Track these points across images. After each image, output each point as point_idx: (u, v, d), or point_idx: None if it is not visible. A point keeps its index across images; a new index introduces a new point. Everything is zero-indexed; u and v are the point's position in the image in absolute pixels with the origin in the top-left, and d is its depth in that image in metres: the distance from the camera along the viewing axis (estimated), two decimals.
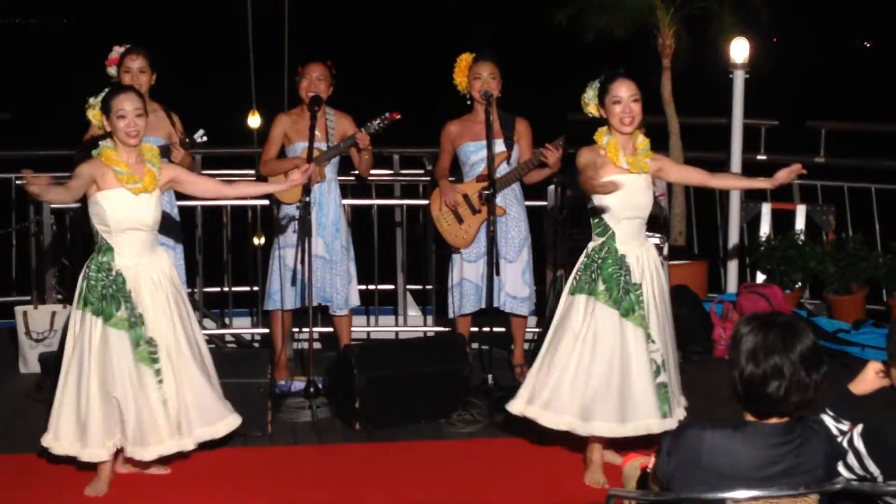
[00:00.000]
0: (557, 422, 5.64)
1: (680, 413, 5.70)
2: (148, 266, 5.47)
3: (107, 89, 5.68)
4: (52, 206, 7.42)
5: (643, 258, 5.62)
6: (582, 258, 5.69)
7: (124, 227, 5.38)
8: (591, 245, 5.67)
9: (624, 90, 5.53)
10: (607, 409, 5.52)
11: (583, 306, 5.61)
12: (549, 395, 5.63)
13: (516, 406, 5.77)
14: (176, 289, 5.60)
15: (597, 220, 5.64)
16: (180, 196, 6.43)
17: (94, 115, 5.70)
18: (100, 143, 5.45)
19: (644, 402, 5.52)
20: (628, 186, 5.50)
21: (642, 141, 5.64)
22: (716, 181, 6.06)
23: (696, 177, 5.92)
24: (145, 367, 5.40)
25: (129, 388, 5.38)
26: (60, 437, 5.45)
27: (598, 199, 5.58)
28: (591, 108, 5.74)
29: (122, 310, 5.38)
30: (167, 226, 6.80)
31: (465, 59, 6.91)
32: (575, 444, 5.79)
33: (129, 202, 5.36)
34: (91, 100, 5.80)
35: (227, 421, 5.71)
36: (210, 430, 5.63)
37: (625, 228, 5.60)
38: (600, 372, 5.53)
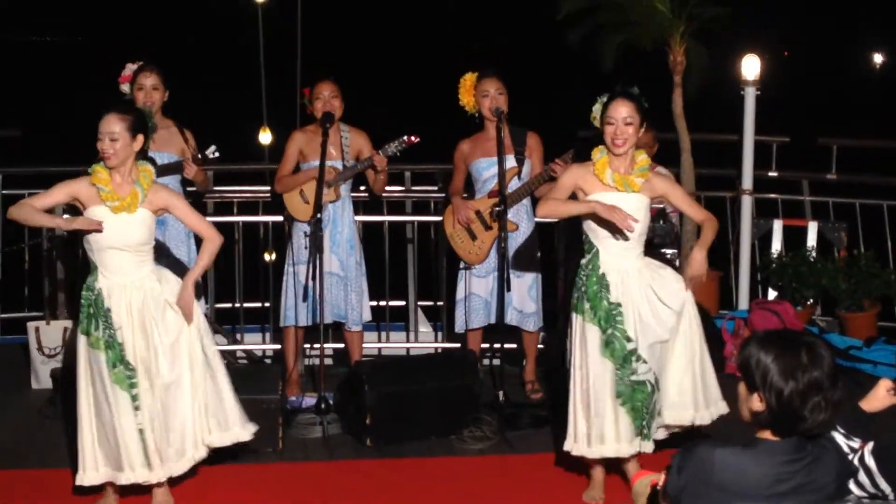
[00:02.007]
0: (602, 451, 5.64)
1: (706, 416, 5.69)
2: (131, 287, 5.37)
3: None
4: None
5: (630, 277, 5.55)
6: (575, 276, 5.69)
7: (104, 246, 5.33)
8: (581, 262, 5.67)
9: (618, 112, 5.49)
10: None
11: (575, 326, 5.63)
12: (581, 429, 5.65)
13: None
14: (166, 307, 5.44)
15: (585, 236, 5.64)
16: None
17: None
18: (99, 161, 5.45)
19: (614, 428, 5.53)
20: (614, 203, 5.47)
21: (641, 160, 5.58)
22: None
23: (695, 217, 5.83)
24: (120, 389, 5.31)
25: (105, 409, 5.34)
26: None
27: (584, 216, 5.59)
28: (598, 123, 5.75)
29: (99, 329, 5.34)
30: (177, 243, 6.83)
31: (468, 78, 6.94)
32: (586, 461, 5.79)
33: (108, 221, 5.31)
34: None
35: (228, 434, 5.59)
36: (181, 465, 5.50)
37: (610, 247, 5.56)
38: (596, 390, 5.53)
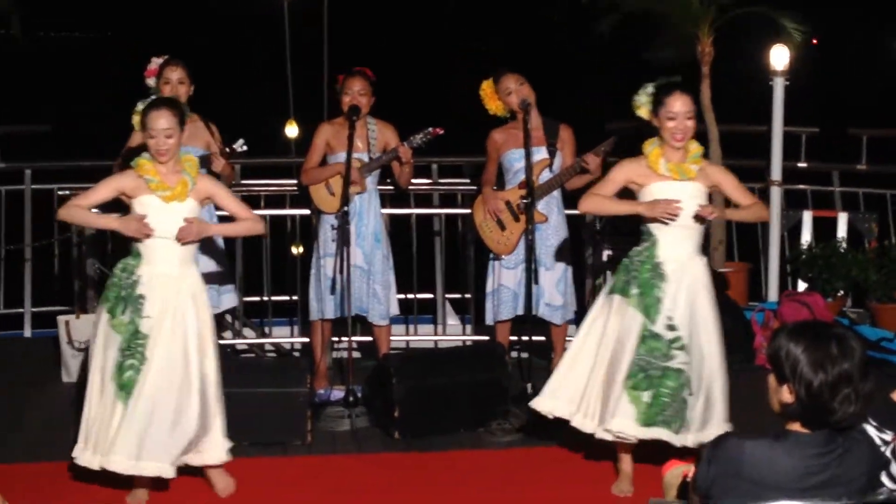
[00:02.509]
0: (554, 407, 5.72)
1: (699, 437, 5.53)
2: (174, 281, 5.40)
3: (153, 97, 5.71)
4: None
5: (686, 266, 5.57)
6: (624, 259, 5.67)
7: (154, 235, 5.38)
8: (635, 248, 5.65)
9: (679, 106, 5.49)
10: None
11: (611, 306, 5.61)
12: (557, 385, 5.72)
13: (537, 402, 5.79)
14: (200, 313, 5.46)
15: (644, 226, 5.62)
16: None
17: (136, 121, 5.74)
18: (141, 155, 5.49)
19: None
20: (671, 194, 5.48)
21: (694, 148, 5.58)
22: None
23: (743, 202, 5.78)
24: (117, 376, 5.31)
25: (107, 390, 5.34)
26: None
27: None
28: (643, 112, 5.72)
29: (126, 314, 5.36)
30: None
31: (487, 86, 6.95)
32: (615, 453, 5.77)
33: (158, 210, 5.37)
34: (139, 105, 5.86)
35: (206, 456, 5.50)
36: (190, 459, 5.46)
37: (668, 236, 5.56)
38: (619, 373, 5.52)
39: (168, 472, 5.36)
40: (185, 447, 5.39)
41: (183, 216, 5.39)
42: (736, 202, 5.76)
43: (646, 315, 5.49)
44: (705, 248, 7.03)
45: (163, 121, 5.36)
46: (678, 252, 5.56)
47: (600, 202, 5.64)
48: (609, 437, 5.56)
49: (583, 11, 8.25)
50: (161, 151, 5.36)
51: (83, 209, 5.50)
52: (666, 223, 5.50)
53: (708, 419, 5.59)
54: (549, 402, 5.77)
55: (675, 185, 5.52)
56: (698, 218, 5.52)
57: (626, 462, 5.66)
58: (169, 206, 5.38)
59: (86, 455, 5.40)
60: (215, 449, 5.50)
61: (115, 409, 5.32)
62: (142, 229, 5.34)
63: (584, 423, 5.67)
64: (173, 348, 5.36)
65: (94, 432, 5.38)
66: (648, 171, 5.55)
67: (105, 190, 5.49)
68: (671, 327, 5.50)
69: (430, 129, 6.82)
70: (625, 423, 5.48)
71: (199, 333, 5.43)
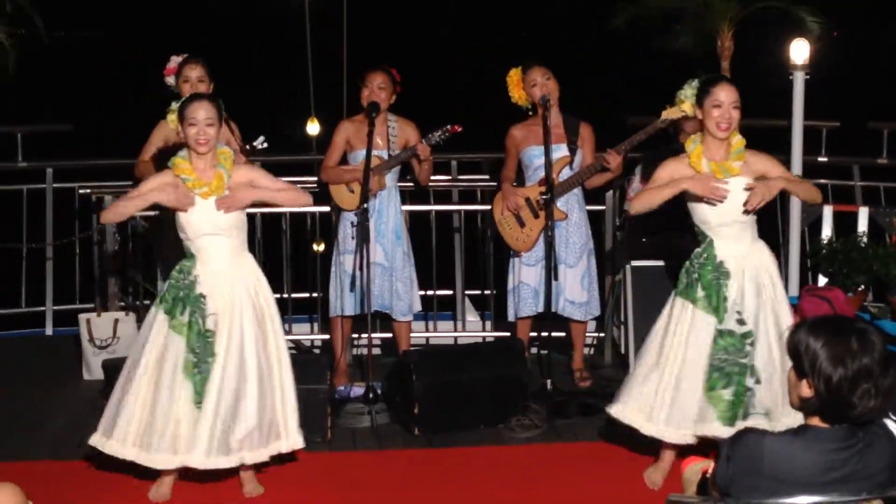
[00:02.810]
0: (624, 415, 5.67)
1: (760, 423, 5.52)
2: (229, 276, 5.46)
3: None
4: None
5: (747, 261, 5.56)
6: (686, 263, 5.66)
7: (200, 234, 5.42)
8: (696, 251, 5.63)
9: (725, 95, 5.47)
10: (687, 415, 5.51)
11: (678, 310, 5.60)
12: (647, 402, 5.62)
13: (615, 409, 5.72)
14: (260, 301, 5.52)
15: (697, 228, 5.62)
16: None
17: (172, 119, 5.77)
18: (177, 154, 5.51)
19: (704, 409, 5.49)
20: (698, 176, 5.47)
21: (737, 143, 5.55)
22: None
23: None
24: (185, 378, 5.36)
25: (164, 392, 5.38)
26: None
27: (691, 208, 5.58)
28: (686, 107, 5.70)
29: (185, 314, 5.40)
30: None
31: (514, 73, 6.92)
32: (637, 448, 5.77)
33: (200, 207, 5.40)
34: (173, 104, 5.88)
35: (274, 446, 5.58)
36: (256, 454, 5.52)
37: (723, 235, 5.55)
38: (691, 377, 5.50)
39: (232, 464, 5.44)
40: (247, 438, 5.44)
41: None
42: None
43: (715, 315, 5.49)
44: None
45: (203, 111, 5.38)
46: (736, 247, 5.56)
47: (646, 196, 5.58)
48: (689, 441, 5.52)
49: (588, 9, 8.28)
50: (200, 141, 5.37)
51: (124, 207, 5.50)
52: (714, 205, 5.46)
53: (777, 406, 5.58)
54: (621, 408, 5.68)
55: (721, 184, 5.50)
56: (748, 211, 5.50)
57: (667, 456, 5.64)
58: (209, 203, 5.41)
59: (120, 448, 5.43)
60: (288, 437, 5.57)
61: (186, 407, 5.37)
62: (182, 199, 5.36)
63: (654, 429, 5.60)
64: (236, 343, 5.41)
65: (143, 428, 5.39)
66: (690, 171, 5.53)
67: (151, 196, 5.42)
68: (741, 321, 5.49)
69: (449, 126, 6.82)
70: (714, 427, 5.45)
71: (258, 323, 5.47)
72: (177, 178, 5.41)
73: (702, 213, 5.55)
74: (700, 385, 5.48)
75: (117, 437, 5.43)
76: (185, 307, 5.40)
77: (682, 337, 5.54)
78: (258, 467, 5.61)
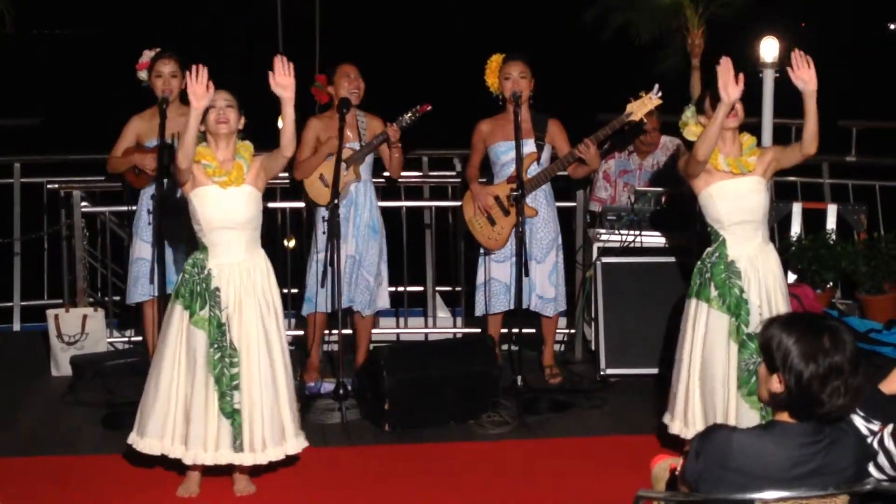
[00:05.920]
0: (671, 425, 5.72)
1: None
2: (242, 268, 5.43)
3: None
4: (83, 209, 7.48)
5: (757, 263, 5.59)
6: (697, 263, 5.71)
7: (215, 226, 5.39)
8: (707, 250, 5.68)
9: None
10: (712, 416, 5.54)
11: (693, 311, 5.64)
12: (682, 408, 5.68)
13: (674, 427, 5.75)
14: (269, 297, 5.51)
15: (710, 228, 5.66)
16: None
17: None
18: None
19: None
20: (733, 190, 5.54)
21: (747, 140, 5.64)
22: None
23: (807, 150, 5.68)
24: (209, 373, 5.35)
25: (188, 388, 5.38)
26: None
27: (704, 207, 5.63)
28: (691, 128, 5.73)
29: (205, 309, 5.37)
30: None
31: (495, 59, 6.92)
32: (605, 446, 5.78)
33: (217, 198, 5.38)
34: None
35: (283, 447, 5.57)
36: (275, 452, 5.53)
37: (736, 233, 5.59)
38: (713, 378, 5.54)
39: (258, 461, 5.46)
40: (269, 435, 5.45)
41: (242, 202, 5.41)
42: (799, 158, 5.70)
43: (734, 316, 5.52)
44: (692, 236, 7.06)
45: (221, 98, 5.39)
46: (747, 247, 5.60)
47: (706, 136, 5.46)
48: None
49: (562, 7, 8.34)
50: (220, 120, 5.37)
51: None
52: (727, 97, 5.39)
53: None
54: (679, 425, 5.69)
55: (735, 183, 5.56)
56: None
57: None
58: (227, 193, 5.38)
59: (166, 445, 5.43)
60: (288, 440, 5.56)
61: (211, 404, 5.36)
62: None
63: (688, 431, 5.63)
64: (253, 336, 5.40)
65: (176, 426, 5.40)
66: (709, 167, 5.57)
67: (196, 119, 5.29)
68: (749, 323, 5.53)
69: (418, 106, 6.81)
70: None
71: (265, 319, 5.46)
72: (198, 165, 5.37)
73: (714, 212, 5.60)
74: (722, 384, 5.51)
75: (152, 434, 5.43)
76: (205, 302, 5.38)
77: (700, 337, 5.60)
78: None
